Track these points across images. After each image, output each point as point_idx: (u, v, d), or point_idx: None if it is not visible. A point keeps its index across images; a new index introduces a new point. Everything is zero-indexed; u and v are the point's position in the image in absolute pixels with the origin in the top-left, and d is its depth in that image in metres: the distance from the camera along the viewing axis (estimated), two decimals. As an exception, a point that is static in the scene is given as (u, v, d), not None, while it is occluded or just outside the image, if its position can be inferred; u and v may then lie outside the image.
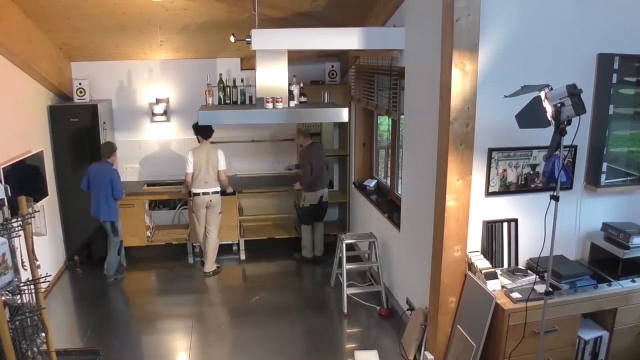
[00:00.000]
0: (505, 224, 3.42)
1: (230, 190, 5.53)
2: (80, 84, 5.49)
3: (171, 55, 5.79)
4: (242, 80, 4.69)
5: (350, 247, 5.27)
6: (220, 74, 4.76)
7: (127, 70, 5.90)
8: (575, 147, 3.35)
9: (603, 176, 3.39)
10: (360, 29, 4.19)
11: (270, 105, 4.15)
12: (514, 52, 3.16)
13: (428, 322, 3.63)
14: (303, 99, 4.47)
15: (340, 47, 4.30)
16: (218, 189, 5.35)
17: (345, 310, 4.58)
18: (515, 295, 3.11)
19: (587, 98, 3.11)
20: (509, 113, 2.83)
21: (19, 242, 2.62)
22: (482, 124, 3.17)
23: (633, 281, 3.26)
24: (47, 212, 4.61)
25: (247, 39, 4.05)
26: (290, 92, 4.29)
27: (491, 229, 3.39)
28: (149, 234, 5.88)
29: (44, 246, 4.89)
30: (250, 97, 4.63)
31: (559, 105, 2.57)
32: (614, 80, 3.25)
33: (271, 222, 6.39)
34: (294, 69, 4.45)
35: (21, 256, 2.65)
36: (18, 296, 2.59)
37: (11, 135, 4.42)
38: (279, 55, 4.14)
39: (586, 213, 3.53)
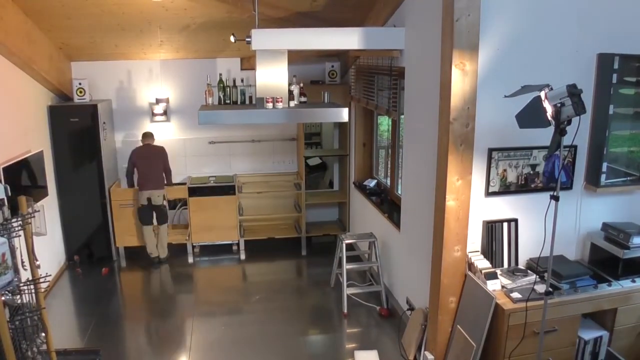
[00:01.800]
0: (505, 224, 3.42)
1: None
2: (80, 83, 5.49)
3: (171, 55, 5.79)
4: (242, 80, 4.69)
5: (350, 247, 5.27)
6: (220, 74, 4.76)
7: (127, 70, 5.90)
8: (575, 147, 3.35)
9: (603, 176, 3.39)
10: (360, 29, 4.19)
11: (270, 105, 4.15)
12: (514, 52, 3.16)
13: (428, 322, 3.63)
14: (303, 98, 4.47)
15: (340, 47, 4.30)
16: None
17: (345, 310, 4.58)
18: (515, 295, 3.11)
19: (587, 98, 3.11)
20: (509, 113, 2.83)
21: (19, 242, 2.62)
22: (482, 123, 3.16)
23: (633, 281, 3.26)
24: (47, 212, 4.61)
25: (247, 39, 4.05)
26: (290, 92, 4.29)
27: (491, 229, 3.39)
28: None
29: (44, 246, 4.88)
30: (250, 97, 4.63)
31: (559, 105, 2.56)
32: (614, 80, 3.24)
33: (271, 222, 6.39)
34: (294, 69, 4.45)
35: (21, 256, 2.65)
36: (18, 296, 2.59)
37: (11, 135, 4.42)
38: (279, 55, 4.14)
39: (586, 213, 3.53)
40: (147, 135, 5.66)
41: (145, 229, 5.62)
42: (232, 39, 4.39)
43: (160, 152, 5.64)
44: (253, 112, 4.22)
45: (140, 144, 5.69)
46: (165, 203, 5.63)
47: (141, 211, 5.56)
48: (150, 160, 5.53)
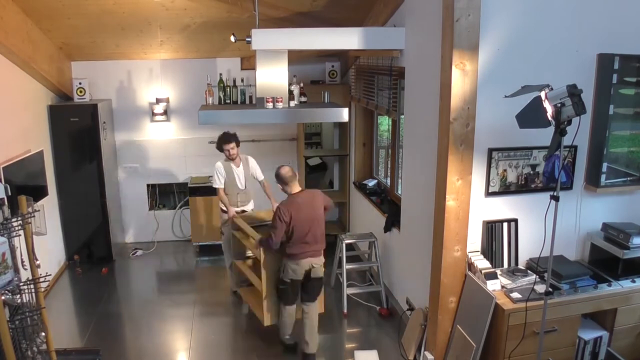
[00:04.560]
0: (505, 224, 3.42)
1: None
2: (80, 83, 5.48)
3: (171, 55, 5.79)
4: (242, 80, 4.69)
5: (350, 247, 5.26)
6: (221, 74, 4.76)
7: (127, 70, 5.90)
8: (576, 147, 3.35)
9: (603, 176, 3.39)
10: (360, 29, 4.19)
11: (270, 105, 4.15)
12: (514, 52, 3.16)
13: (428, 322, 3.63)
14: (303, 98, 4.47)
15: (340, 47, 4.30)
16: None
17: (345, 310, 4.58)
18: (515, 295, 3.11)
19: (587, 98, 3.11)
20: (509, 113, 2.83)
21: (19, 242, 2.62)
22: (482, 124, 3.17)
23: (633, 281, 3.26)
24: (47, 211, 4.62)
25: (247, 39, 4.06)
26: (290, 92, 4.29)
27: (491, 229, 3.39)
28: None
29: (44, 246, 4.88)
30: (250, 97, 4.63)
31: (559, 105, 2.57)
32: (614, 81, 3.24)
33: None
34: (294, 69, 4.45)
35: (21, 256, 2.65)
36: (18, 296, 2.59)
37: (11, 135, 4.42)
38: (279, 55, 4.14)
39: (586, 213, 3.53)
40: (290, 180, 3.73)
41: (287, 311, 3.90)
42: (232, 38, 4.40)
43: (320, 202, 3.81)
44: (253, 112, 4.22)
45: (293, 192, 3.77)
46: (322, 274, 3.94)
47: (291, 287, 3.79)
48: (310, 213, 3.71)
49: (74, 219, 5.55)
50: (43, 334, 2.71)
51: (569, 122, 2.60)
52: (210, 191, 5.83)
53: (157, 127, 6.10)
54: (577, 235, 3.57)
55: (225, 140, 4.59)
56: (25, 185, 4.45)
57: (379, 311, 4.60)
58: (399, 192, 4.79)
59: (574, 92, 2.54)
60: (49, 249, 5.17)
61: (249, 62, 5.94)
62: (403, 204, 4.38)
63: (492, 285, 3.19)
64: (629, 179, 3.47)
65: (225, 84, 4.61)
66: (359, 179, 5.94)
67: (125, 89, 5.96)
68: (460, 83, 3.04)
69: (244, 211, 4.73)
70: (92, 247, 5.69)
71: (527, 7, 3.12)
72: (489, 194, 3.36)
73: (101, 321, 4.54)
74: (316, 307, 3.94)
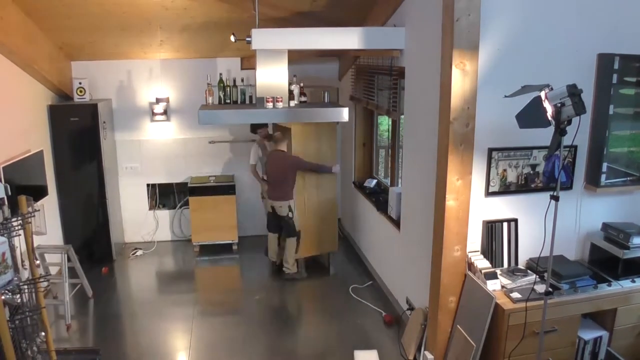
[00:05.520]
0: (505, 224, 3.42)
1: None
2: (80, 83, 5.48)
3: (171, 54, 5.79)
4: (242, 80, 4.69)
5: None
6: (221, 74, 4.76)
7: (127, 69, 5.90)
8: (576, 147, 3.35)
9: (603, 176, 3.39)
10: (360, 28, 4.19)
11: (270, 104, 4.15)
12: (514, 52, 3.16)
13: (428, 322, 3.63)
14: (303, 98, 4.47)
15: (340, 47, 4.29)
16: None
17: (346, 310, 4.57)
18: (515, 295, 3.11)
19: (587, 98, 3.11)
20: (509, 113, 2.83)
21: (19, 242, 2.62)
22: (482, 124, 3.16)
23: (633, 281, 3.26)
24: (47, 211, 4.61)
25: (248, 39, 4.06)
26: (290, 92, 4.29)
27: (491, 228, 3.39)
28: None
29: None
30: (251, 97, 4.63)
31: (559, 105, 2.56)
32: (614, 81, 3.24)
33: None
34: (294, 69, 4.44)
35: (21, 255, 2.65)
36: (18, 295, 2.59)
37: (11, 135, 4.42)
38: (279, 54, 4.14)
39: (586, 213, 3.53)
40: (277, 140, 5.21)
41: (269, 235, 5.44)
42: (232, 38, 4.40)
43: (288, 163, 5.09)
44: (253, 111, 4.22)
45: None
46: (290, 215, 5.13)
47: (267, 217, 5.47)
48: (276, 171, 5.14)
49: (74, 219, 5.55)
50: (43, 333, 2.71)
51: (569, 122, 2.60)
52: (210, 191, 5.86)
53: (157, 126, 6.10)
54: (577, 235, 3.57)
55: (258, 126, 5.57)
56: (25, 185, 4.45)
57: (384, 318, 4.51)
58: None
59: (574, 92, 2.54)
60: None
61: (249, 62, 5.94)
62: (403, 203, 4.38)
63: (492, 285, 3.19)
64: (629, 178, 3.47)
65: (225, 84, 4.61)
66: (359, 179, 5.94)
67: (125, 88, 5.96)
68: (460, 83, 3.04)
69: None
70: (92, 247, 5.69)
71: (527, 7, 3.12)
72: (488, 193, 3.36)
73: (101, 321, 4.54)
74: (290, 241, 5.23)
